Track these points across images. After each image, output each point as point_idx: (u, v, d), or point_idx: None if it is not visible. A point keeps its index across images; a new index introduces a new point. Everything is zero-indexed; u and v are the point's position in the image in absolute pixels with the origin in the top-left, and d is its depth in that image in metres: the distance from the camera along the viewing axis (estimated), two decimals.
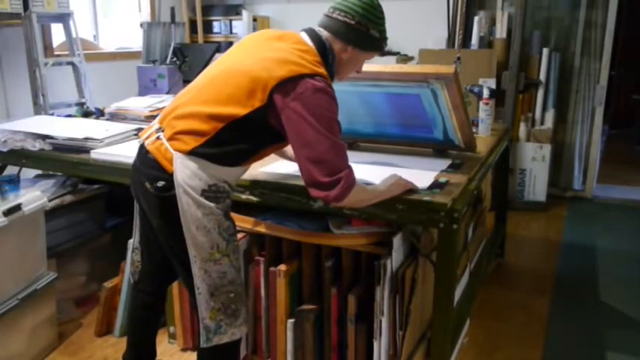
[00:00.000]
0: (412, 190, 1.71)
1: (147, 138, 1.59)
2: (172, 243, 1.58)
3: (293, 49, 1.52)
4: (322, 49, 1.57)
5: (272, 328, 2.02)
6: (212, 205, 1.52)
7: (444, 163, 2.05)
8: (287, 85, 1.45)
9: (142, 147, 1.61)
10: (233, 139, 1.51)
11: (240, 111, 1.47)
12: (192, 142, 1.49)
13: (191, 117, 1.52)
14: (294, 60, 1.48)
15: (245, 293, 1.68)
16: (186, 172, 1.49)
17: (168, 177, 1.51)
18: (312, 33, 1.59)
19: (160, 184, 1.52)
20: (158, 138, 1.55)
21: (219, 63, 1.61)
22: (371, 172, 1.93)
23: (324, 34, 1.59)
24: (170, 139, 1.52)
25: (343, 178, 1.47)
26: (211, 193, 1.52)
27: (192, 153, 1.49)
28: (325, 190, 1.48)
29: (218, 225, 1.54)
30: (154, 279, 1.83)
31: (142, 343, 1.91)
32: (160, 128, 1.57)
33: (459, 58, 3.32)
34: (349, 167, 1.51)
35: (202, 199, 1.50)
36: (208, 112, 1.49)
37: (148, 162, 1.56)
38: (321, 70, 1.51)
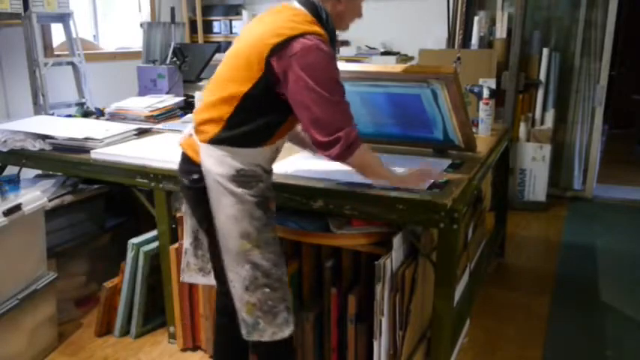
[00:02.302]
0: (431, 176, 1.77)
1: (183, 138, 1.68)
2: (206, 233, 1.64)
3: (282, 18, 1.52)
4: (313, 9, 1.54)
5: None
6: (242, 191, 1.52)
7: (444, 163, 2.05)
8: (280, 50, 1.45)
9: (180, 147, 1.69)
10: (248, 119, 1.52)
11: (244, 87, 1.50)
12: (211, 130, 1.54)
13: (206, 108, 1.57)
14: (284, 25, 1.48)
15: (286, 290, 1.62)
16: (210, 161, 1.53)
17: (199, 169, 1.56)
18: None
19: (194, 176, 1.58)
20: (190, 135, 1.63)
21: (225, 57, 1.65)
22: None
23: None
24: (196, 132, 1.59)
25: (343, 137, 1.47)
26: (241, 178, 1.53)
27: (213, 141, 1.53)
28: (326, 150, 1.50)
29: (249, 214, 1.53)
30: (221, 276, 1.77)
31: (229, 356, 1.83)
32: (193, 127, 1.64)
33: (459, 58, 3.32)
34: (351, 126, 1.50)
35: (232, 186, 1.52)
36: (217, 98, 1.54)
37: (182, 159, 1.65)
38: (314, 28, 1.48)
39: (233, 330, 1.72)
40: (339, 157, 1.52)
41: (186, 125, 2.66)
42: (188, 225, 1.80)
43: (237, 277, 1.57)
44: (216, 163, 1.53)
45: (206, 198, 1.56)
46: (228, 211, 1.53)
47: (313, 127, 1.49)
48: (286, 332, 1.62)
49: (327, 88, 1.45)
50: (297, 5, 1.57)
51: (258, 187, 1.56)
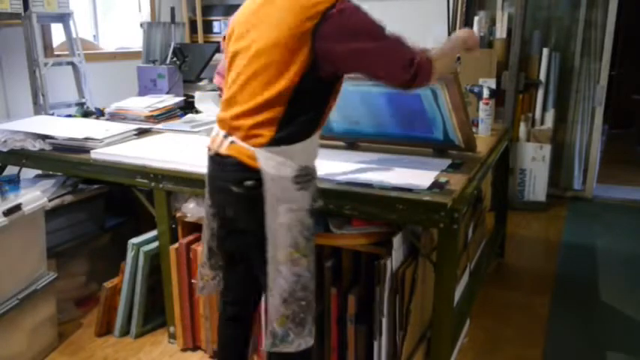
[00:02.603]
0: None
1: (219, 146, 1.56)
2: (256, 243, 1.53)
3: None
4: None
5: None
6: (302, 193, 1.48)
7: (444, 163, 2.05)
8: (319, 28, 1.40)
9: (215, 156, 1.58)
10: (300, 112, 1.48)
11: (292, 81, 1.43)
12: (266, 133, 1.46)
13: (251, 112, 1.48)
14: (307, 3, 1.41)
15: (315, 302, 1.59)
16: (272, 164, 1.46)
17: (254, 175, 1.48)
18: None
19: (248, 183, 1.48)
20: (232, 142, 1.52)
21: (242, 53, 1.54)
22: (370, 172, 1.93)
23: None
24: (245, 138, 1.49)
25: (416, 66, 1.46)
26: (301, 177, 1.48)
27: (271, 143, 1.46)
28: (413, 83, 1.48)
29: (300, 222, 1.49)
30: (238, 290, 1.77)
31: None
32: (226, 134, 1.55)
33: (458, 58, 3.32)
34: (417, 52, 1.49)
35: (294, 188, 1.47)
36: (264, 99, 1.46)
37: (229, 167, 1.53)
38: None
39: (241, 342, 1.76)
40: (424, 81, 1.50)
41: (186, 125, 2.67)
42: (206, 236, 1.72)
43: (278, 287, 1.51)
44: (278, 165, 1.46)
45: (260, 205, 1.48)
46: (282, 218, 1.47)
47: (390, 74, 1.47)
48: (310, 342, 1.58)
49: (378, 34, 1.44)
50: None
51: (313, 186, 1.53)
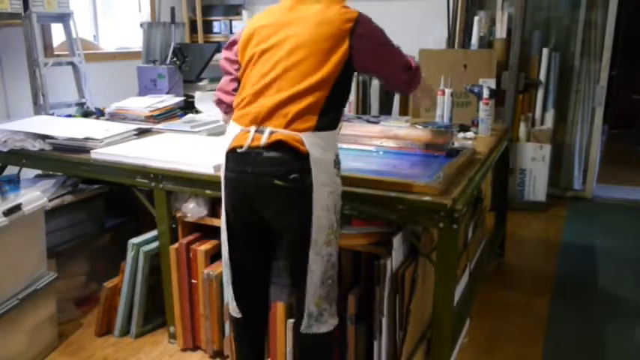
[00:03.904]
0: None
1: (253, 140, 1.54)
2: (301, 232, 1.55)
3: (322, 7, 1.60)
4: None
5: (272, 328, 2.02)
6: (339, 177, 1.59)
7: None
8: (355, 29, 1.55)
9: (249, 153, 1.54)
10: (336, 101, 1.58)
11: (334, 71, 1.54)
12: (311, 118, 1.52)
13: (297, 97, 1.53)
14: (341, 7, 1.60)
15: None
16: (318, 149, 1.52)
17: (298, 163, 1.50)
18: None
19: (294, 175, 1.51)
20: (273, 132, 1.52)
21: (276, 48, 1.59)
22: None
23: None
24: (288, 125, 1.52)
25: (414, 69, 1.79)
26: (337, 162, 1.59)
27: (315, 129, 1.52)
28: (411, 84, 1.82)
29: (335, 204, 1.57)
30: (253, 294, 1.77)
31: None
32: (258, 129, 1.54)
33: (465, 66, 3.39)
34: (411, 59, 1.81)
35: (335, 172, 1.56)
36: (308, 85, 1.52)
37: (269, 161, 1.52)
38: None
39: (259, 341, 1.81)
40: (419, 84, 1.84)
41: (186, 125, 2.67)
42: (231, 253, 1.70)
43: (318, 270, 1.58)
44: (322, 150, 1.52)
45: (308, 193, 1.51)
46: (323, 202, 1.53)
47: (399, 75, 1.75)
48: (336, 321, 1.68)
49: (391, 43, 1.69)
50: None
51: (341, 171, 1.62)
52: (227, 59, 1.79)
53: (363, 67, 1.63)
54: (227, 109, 1.82)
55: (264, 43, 1.61)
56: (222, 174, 1.64)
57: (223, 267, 1.77)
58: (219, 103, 1.85)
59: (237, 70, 1.74)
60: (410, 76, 1.76)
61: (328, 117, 1.55)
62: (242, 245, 1.69)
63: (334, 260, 1.62)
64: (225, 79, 1.82)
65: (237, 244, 1.69)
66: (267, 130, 1.52)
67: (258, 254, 1.72)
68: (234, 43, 1.75)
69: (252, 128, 1.55)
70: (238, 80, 1.72)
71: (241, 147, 1.55)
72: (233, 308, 1.77)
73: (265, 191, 1.55)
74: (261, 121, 1.54)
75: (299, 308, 1.64)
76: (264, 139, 1.52)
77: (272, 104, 1.54)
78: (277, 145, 1.51)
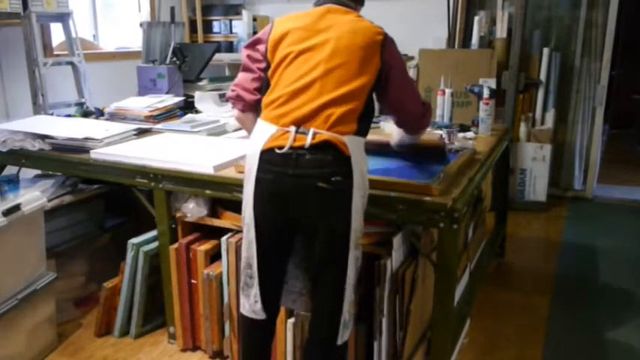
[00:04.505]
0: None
1: (295, 141, 1.50)
2: (342, 236, 1.53)
3: (355, 16, 1.65)
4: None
5: None
6: (367, 181, 1.60)
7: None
8: (385, 44, 1.59)
9: (291, 154, 1.50)
10: (369, 106, 1.59)
11: (370, 79, 1.56)
12: (352, 122, 1.54)
13: (340, 101, 1.52)
14: (369, 22, 1.63)
15: None
16: (358, 153, 1.54)
17: (340, 166, 1.50)
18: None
19: (337, 178, 1.49)
20: (317, 133, 1.49)
21: (317, 49, 1.57)
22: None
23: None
24: (331, 127, 1.50)
25: (427, 105, 1.79)
26: (367, 168, 1.61)
27: (355, 133, 1.54)
28: (424, 117, 1.79)
29: (363, 207, 1.58)
30: (274, 295, 1.74)
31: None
32: (299, 130, 1.51)
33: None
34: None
35: (366, 177, 1.58)
36: (350, 90, 1.53)
37: (313, 163, 1.49)
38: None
39: (271, 342, 1.80)
40: (429, 121, 1.83)
41: (186, 125, 2.67)
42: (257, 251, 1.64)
43: (352, 273, 1.57)
44: (361, 154, 1.55)
45: (349, 195, 1.50)
46: (358, 204, 1.54)
47: (415, 104, 1.73)
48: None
49: (407, 72, 1.71)
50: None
51: None
52: (250, 57, 1.73)
53: (386, 86, 1.62)
54: (244, 107, 1.75)
55: (300, 44, 1.58)
56: (250, 174, 1.57)
57: (243, 267, 1.69)
58: (238, 99, 1.76)
59: (260, 69, 1.70)
60: (424, 110, 1.76)
61: (364, 124, 1.58)
62: (270, 245, 1.63)
63: (360, 264, 1.62)
64: (245, 76, 1.74)
65: (265, 244, 1.63)
66: (311, 131, 1.49)
67: (281, 255, 1.69)
68: (258, 41, 1.70)
69: (293, 128, 1.51)
70: (260, 80, 1.70)
71: (281, 147, 1.50)
72: (257, 310, 1.68)
73: (306, 193, 1.51)
74: (302, 121, 1.51)
75: (330, 319, 1.57)
76: (308, 140, 1.48)
77: (316, 105, 1.51)
78: (321, 146, 1.48)
